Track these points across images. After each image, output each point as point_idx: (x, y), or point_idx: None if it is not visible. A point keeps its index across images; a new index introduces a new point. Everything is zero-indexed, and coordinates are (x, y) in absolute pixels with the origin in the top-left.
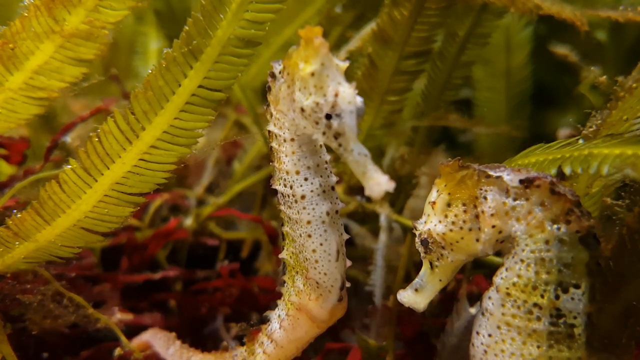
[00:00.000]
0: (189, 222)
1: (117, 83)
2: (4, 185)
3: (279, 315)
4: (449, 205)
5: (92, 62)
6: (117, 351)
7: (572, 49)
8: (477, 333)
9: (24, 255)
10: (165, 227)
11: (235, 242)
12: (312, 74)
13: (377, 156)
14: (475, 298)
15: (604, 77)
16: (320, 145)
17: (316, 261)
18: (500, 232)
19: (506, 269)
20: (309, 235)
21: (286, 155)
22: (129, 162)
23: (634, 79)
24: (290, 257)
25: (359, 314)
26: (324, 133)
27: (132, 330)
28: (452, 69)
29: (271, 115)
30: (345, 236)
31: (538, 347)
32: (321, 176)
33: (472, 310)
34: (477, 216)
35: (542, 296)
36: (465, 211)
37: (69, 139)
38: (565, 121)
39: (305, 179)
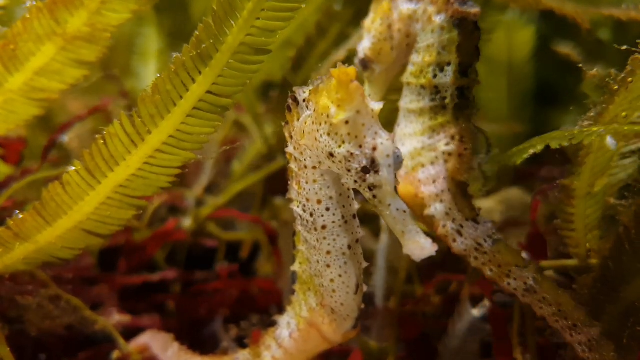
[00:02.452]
0: (187, 222)
1: (115, 82)
2: (1, 186)
3: (289, 324)
4: (372, 22)
5: (93, 64)
6: (115, 354)
7: (575, 48)
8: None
9: (23, 256)
10: (164, 228)
11: (234, 243)
12: (347, 122)
13: None
14: (478, 300)
15: (595, 70)
16: None
17: (333, 291)
18: (407, 35)
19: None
20: (328, 266)
21: (307, 182)
22: (134, 165)
23: (629, 72)
24: (303, 272)
25: (360, 315)
26: (355, 181)
27: (130, 332)
28: None
29: (291, 137)
30: (364, 264)
31: (423, 122)
32: (344, 206)
33: (475, 312)
34: (389, 26)
35: (425, 77)
36: (381, 24)
37: (66, 138)
38: (568, 120)
39: (327, 209)
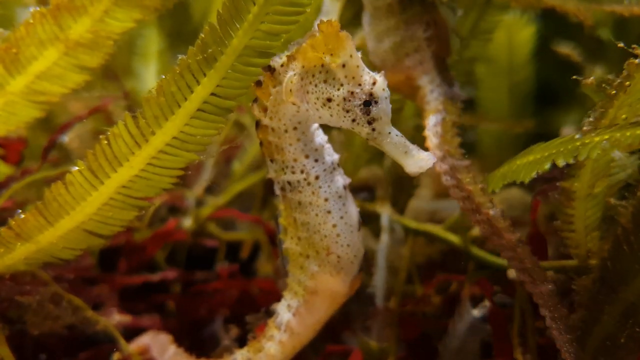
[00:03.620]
0: (188, 222)
1: (116, 82)
2: (1, 186)
3: (289, 305)
4: None
5: (95, 70)
6: (115, 356)
7: (575, 48)
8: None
9: (24, 256)
10: (164, 228)
11: (234, 243)
12: (343, 66)
13: (379, 155)
14: (478, 300)
15: (592, 78)
16: (317, 128)
17: (338, 235)
18: None
19: None
20: (329, 212)
21: (290, 144)
22: (137, 166)
23: (625, 77)
24: (297, 243)
25: (361, 315)
26: (353, 120)
27: (131, 332)
28: (455, 65)
29: (265, 110)
30: (357, 209)
31: (395, 17)
32: (328, 155)
33: (475, 312)
34: None
35: None
36: None
37: (66, 138)
38: (568, 120)
39: (316, 160)
